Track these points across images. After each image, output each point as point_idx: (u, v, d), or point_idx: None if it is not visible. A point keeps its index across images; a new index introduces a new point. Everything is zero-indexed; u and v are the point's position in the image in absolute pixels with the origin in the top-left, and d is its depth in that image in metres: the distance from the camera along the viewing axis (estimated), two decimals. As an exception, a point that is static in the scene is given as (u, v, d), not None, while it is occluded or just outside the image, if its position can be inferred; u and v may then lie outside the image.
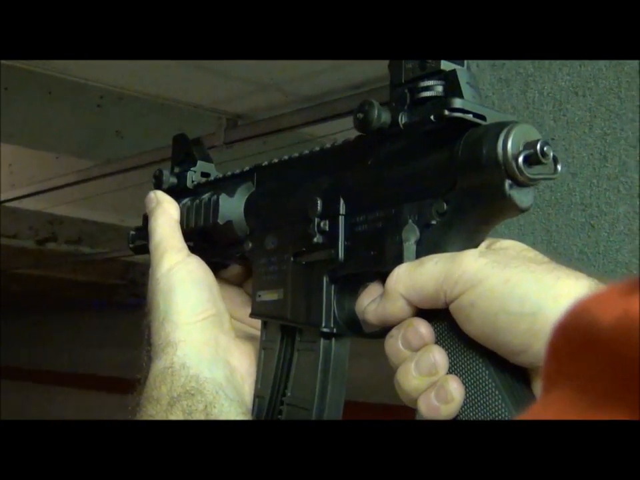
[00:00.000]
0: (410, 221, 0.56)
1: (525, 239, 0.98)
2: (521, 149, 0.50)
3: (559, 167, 0.53)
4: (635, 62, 1.00)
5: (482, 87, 1.13)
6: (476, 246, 0.55)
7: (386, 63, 0.59)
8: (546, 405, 0.27)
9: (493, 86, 1.12)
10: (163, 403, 0.62)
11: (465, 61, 0.56)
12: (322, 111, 2.10)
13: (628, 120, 1.00)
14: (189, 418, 0.62)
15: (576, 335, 0.23)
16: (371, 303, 0.58)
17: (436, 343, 0.54)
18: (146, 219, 0.76)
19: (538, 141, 0.50)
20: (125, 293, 4.90)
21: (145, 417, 0.63)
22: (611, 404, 0.23)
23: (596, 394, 0.23)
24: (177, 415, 0.62)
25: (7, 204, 3.48)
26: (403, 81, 0.57)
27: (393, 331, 0.55)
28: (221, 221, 0.71)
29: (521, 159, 0.50)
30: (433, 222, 0.55)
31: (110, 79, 2.42)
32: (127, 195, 2.78)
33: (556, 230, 1.05)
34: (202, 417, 0.62)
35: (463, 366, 0.52)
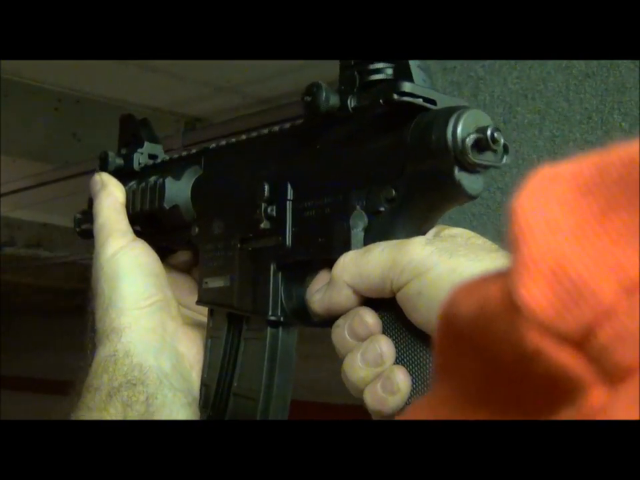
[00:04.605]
0: (358, 207, 0.55)
1: (477, 240, 1.00)
2: (470, 132, 0.49)
3: (506, 156, 0.52)
4: (582, 64, 1.01)
5: (434, 89, 1.14)
6: (424, 233, 0.54)
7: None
8: (422, 405, 0.25)
9: (445, 89, 1.13)
10: (103, 394, 0.61)
11: None
12: (280, 113, 2.10)
13: (576, 122, 1.02)
14: (128, 410, 0.60)
15: (449, 327, 0.22)
16: (317, 292, 0.56)
17: (383, 332, 0.53)
18: (91, 203, 0.74)
19: (488, 126, 0.49)
20: (86, 297, 4.85)
21: (83, 408, 0.61)
22: (478, 407, 0.21)
23: (467, 394, 0.22)
24: (115, 407, 0.60)
25: (-37, 209, 3.43)
26: (352, 63, 0.56)
27: (340, 321, 0.54)
28: (167, 205, 0.69)
29: (470, 143, 0.49)
30: (382, 209, 0.54)
31: (67, 82, 2.40)
32: (85, 198, 2.75)
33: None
34: (142, 409, 0.60)
35: (410, 356, 0.51)
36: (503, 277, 0.20)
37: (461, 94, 1.12)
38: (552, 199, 0.20)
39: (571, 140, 1.02)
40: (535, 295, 0.19)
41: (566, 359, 0.18)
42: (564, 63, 1.03)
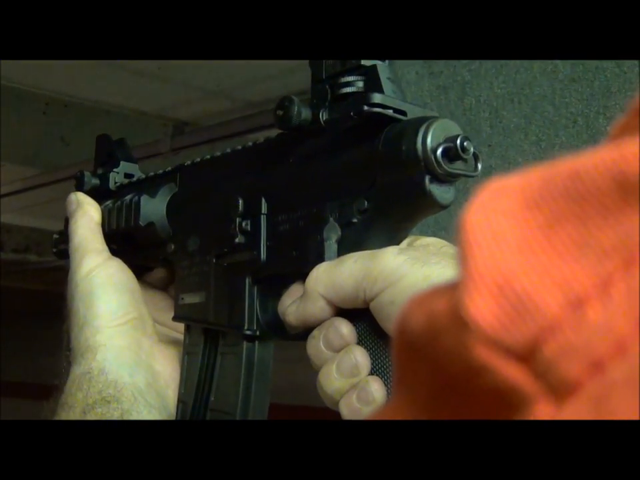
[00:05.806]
0: (331, 219, 0.55)
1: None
2: (440, 142, 0.50)
3: (479, 165, 0.52)
4: (568, 69, 1.02)
5: (420, 94, 1.14)
6: (398, 243, 0.54)
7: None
8: (381, 415, 0.25)
9: (431, 93, 1.14)
10: (77, 411, 0.61)
11: None
12: (269, 117, 2.10)
13: (562, 126, 1.02)
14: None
15: (402, 339, 0.22)
16: (291, 304, 0.56)
17: (358, 343, 0.53)
18: (67, 223, 0.74)
19: (458, 135, 0.49)
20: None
21: None
22: (430, 418, 0.21)
23: (419, 404, 0.22)
24: None
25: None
26: (324, 77, 0.56)
27: (315, 332, 0.54)
28: (142, 223, 0.69)
29: (439, 152, 0.49)
30: (354, 220, 0.54)
31: (55, 86, 2.40)
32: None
33: (494, 234, 1.06)
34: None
35: (385, 366, 0.51)
36: (451, 291, 0.20)
37: (447, 98, 1.13)
38: (499, 211, 0.20)
39: (557, 144, 1.02)
40: (481, 309, 0.19)
41: (512, 373, 0.18)
42: (550, 67, 1.04)
